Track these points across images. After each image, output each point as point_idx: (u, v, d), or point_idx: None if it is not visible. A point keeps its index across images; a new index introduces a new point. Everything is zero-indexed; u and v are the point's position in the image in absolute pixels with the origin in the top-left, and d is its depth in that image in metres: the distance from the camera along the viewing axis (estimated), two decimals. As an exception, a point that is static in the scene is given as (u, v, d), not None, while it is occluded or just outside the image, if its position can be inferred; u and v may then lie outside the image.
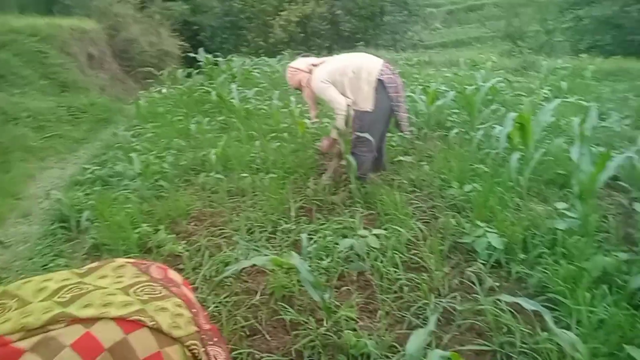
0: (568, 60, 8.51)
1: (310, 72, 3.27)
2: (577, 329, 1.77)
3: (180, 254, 2.63)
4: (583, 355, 1.30)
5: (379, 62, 3.14)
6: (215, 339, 0.89)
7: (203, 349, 0.84)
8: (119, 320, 0.79)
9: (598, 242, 2.34)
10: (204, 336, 0.86)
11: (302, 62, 3.37)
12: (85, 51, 9.05)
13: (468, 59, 8.28)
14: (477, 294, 2.09)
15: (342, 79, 3.11)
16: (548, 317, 1.34)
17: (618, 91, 5.84)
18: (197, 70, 7.59)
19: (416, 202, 3.10)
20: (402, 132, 3.33)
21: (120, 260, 0.93)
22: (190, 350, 0.83)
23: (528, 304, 1.42)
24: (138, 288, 0.87)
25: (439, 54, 11.11)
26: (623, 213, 2.76)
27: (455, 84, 5.45)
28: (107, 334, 0.78)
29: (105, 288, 0.85)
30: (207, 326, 0.90)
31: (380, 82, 3.07)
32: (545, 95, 4.90)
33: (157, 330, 0.81)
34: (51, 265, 2.79)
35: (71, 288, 0.84)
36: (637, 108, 4.89)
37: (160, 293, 0.88)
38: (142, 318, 0.80)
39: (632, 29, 14.79)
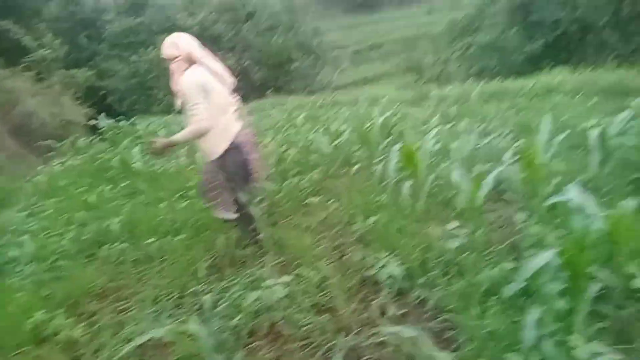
0: (457, 86, 9.34)
1: (188, 61, 2.92)
2: (470, 344, 1.87)
3: (79, 339, 2.45)
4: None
5: (238, 124, 3.04)
6: None
7: None
8: None
9: (487, 256, 2.51)
10: None
11: (186, 43, 2.94)
12: (-25, 131, 8.43)
13: (369, 96, 8.80)
14: (382, 326, 2.15)
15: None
16: (424, 340, 1.40)
17: (502, 109, 6.47)
18: (100, 137, 7.34)
19: (326, 241, 3.16)
20: (254, 189, 3.16)
21: None
22: None
23: (408, 331, 1.49)
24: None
25: (346, 93, 11.72)
26: (509, 224, 3.00)
27: (356, 121, 5.74)
28: None
29: None
30: None
31: (233, 142, 2.96)
32: (438, 122, 5.30)
33: None
34: None
35: None
36: (517, 123, 5.43)
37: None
38: None
39: (512, 50, 16.66)
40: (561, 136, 3.80)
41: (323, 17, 29.67)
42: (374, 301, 2.38)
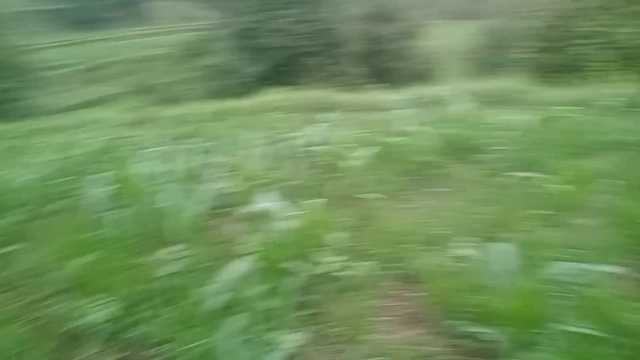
0: (187, 106, 9.41)
1: None
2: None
3: None
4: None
5: None
6: None
7: None
8: None
9: (204, 274, 2.49)
10: None
11: None
12: None
13: (90, 119, 7.96)
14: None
15: None
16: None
17: (227, 127, 6.78)
18: None
19: (19, 299, 2.59)
20: None
21: None
22: None
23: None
24: None
25: (63, 117, 10.30)
26: (227, 239, 3.07)
27: (69, 149, 5.03)
28: None
29: None
30: None
31: None
32: (163, 144, 5.12)
33: None
34: None
35: None
36: (238, 139, 5.74)
37: None
38: None
39: (240, 72, 18.01)
40: (272, 148, 4.19)
41: (38, 33, 25.63)
42: (81, 356, 2.05)
